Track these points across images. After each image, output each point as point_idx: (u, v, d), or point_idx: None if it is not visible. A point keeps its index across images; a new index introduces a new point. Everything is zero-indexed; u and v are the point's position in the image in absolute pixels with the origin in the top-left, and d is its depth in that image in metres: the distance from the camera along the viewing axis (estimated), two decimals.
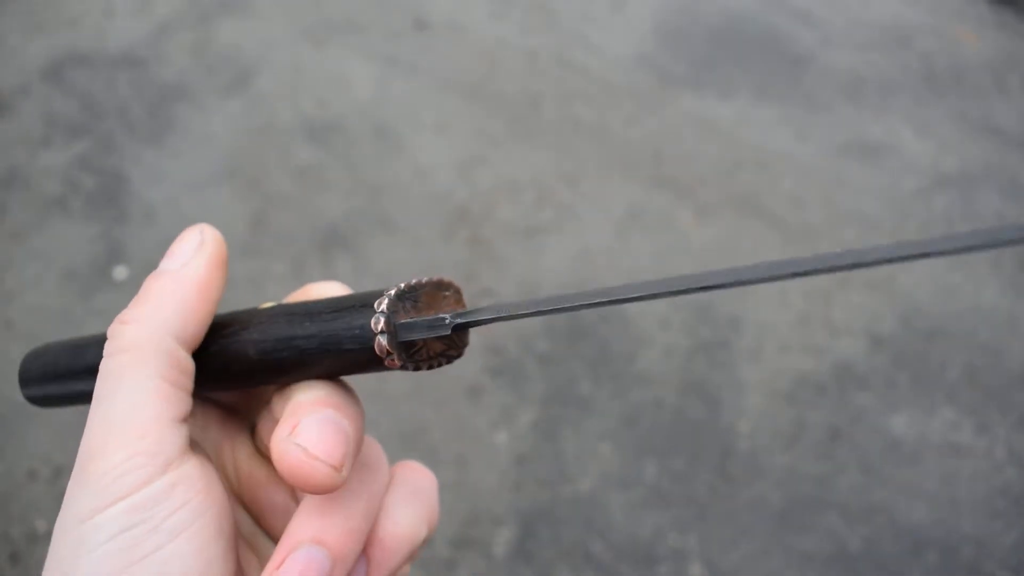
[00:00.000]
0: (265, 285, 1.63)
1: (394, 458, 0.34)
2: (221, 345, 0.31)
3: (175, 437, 0.28)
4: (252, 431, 0.36)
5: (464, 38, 2.27)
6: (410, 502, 0.32)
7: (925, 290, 1.76)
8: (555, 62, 2.24)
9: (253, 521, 0.35)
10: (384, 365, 0.28)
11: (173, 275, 0.30)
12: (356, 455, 0.29)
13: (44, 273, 1.62)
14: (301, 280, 1.62)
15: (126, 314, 0.30)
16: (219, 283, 0.31)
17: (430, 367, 0.29)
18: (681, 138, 2.06)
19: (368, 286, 0.43)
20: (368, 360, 0.28)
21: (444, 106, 2.06)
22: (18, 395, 0.40)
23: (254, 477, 0.34)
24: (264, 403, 0.35)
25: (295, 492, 0.35)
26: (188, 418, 0.29)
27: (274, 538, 0.35)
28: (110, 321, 0.30)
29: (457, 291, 0.30)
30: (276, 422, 0.31)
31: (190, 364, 0.30)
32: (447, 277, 0.30)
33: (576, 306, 0.26)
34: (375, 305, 0.28)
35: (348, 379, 0.32)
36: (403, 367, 0.28)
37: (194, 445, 0.30)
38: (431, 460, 1.40)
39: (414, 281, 0.29)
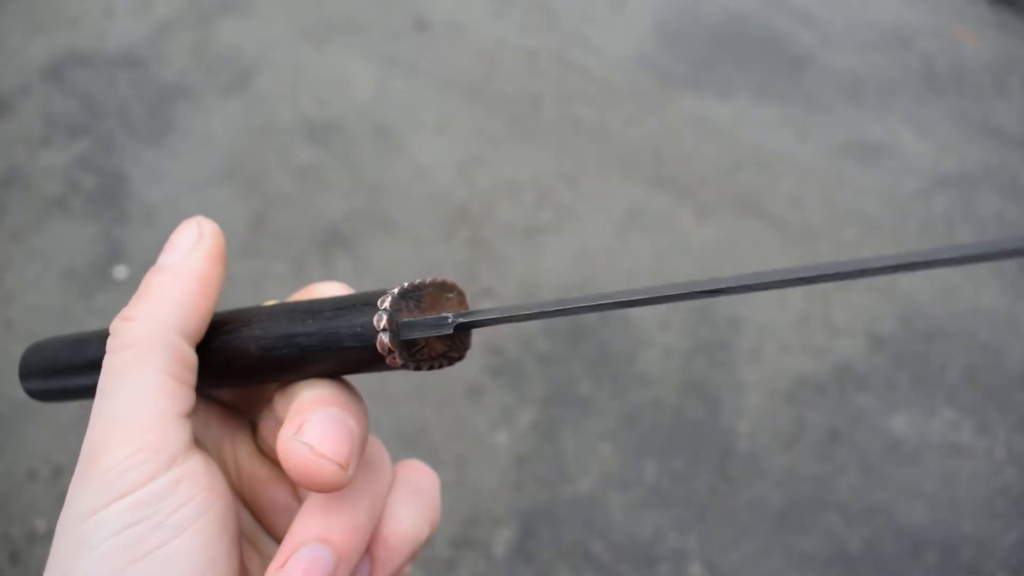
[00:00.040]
0: (265, 285, 1.63)
1: (395, 458, 0.34)
2: (223, 341, 0.31)
3: (179, 433, 0.28)
4: (253, 429, 0.36)
5: (464, 38, 2.27)
6: (413, 501, 0.32)
7: (925, 291, 1.76)
8: (555, 62, 2.24)
9: (254, 519, 0.35)
10: (385, 364, 0.28)
11: (173, 270, 0.30)
12: (361, 454, 0.29)
13: (44, 273, 1.62)
14: (301, 280, 1.62)
15: (128, 310, 0.30)
16: (219, 276, 0.31)
17: (431, 367, 0.29)
18: (681, 138, 2.06)
19: (368, 286, 0.43)
20: (369, 358, 0.28)
21: (444, 106, 2.06)
22: (19, 395, 0.40)
23: (255, 475, 0.34)
24: (265, 402, 0.35)
25: (297, 490, 0.35)
26: (192, 414, 0.29)
27: (275, 536, 0.35)
28: (110, 321, 0.30)
29: (460, 293, 0.30)
30: (278, 421, 0.31)
31: (193, 358, 0.30)
32: (451, 279, 0.30)
33: (579, 309, 0.26)
34: (378, 303, 0.28)
35: (350, 379, 0.32)
36: (404, 366, 0.28)
37: (197, 441, 0.30)
38: (431, 460, 1.39)
39: (417, 281, 0.29)
